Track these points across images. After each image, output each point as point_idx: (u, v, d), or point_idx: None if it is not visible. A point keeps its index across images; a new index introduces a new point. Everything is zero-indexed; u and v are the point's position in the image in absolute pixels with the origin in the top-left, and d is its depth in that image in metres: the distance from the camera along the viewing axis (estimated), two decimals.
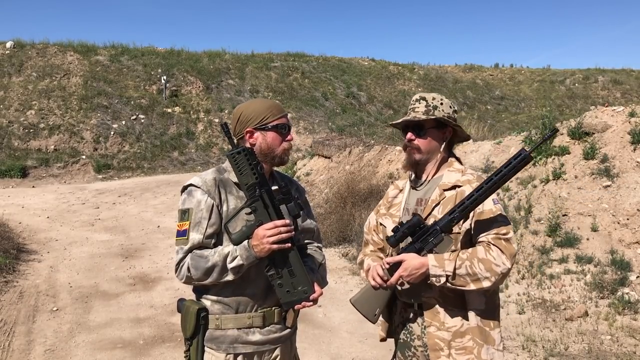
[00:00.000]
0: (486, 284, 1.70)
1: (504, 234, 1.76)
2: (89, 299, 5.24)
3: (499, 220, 1.79)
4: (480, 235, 1.79)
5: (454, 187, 1.86)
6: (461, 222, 1.80)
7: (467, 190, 1.82)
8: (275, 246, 1.69)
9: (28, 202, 10.98)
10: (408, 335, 1.92)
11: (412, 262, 1.75)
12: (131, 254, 6.99)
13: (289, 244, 1.72)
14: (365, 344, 4.11)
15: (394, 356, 2.04)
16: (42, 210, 10.10)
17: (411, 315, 1.91)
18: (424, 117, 1.87)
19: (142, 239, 7.90)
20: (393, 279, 1.79)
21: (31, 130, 16.23)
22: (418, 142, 1.89)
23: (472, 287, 1.72)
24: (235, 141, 1.84)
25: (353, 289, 5.53)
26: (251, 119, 1.84)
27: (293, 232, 1.74)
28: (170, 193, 11.91)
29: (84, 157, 15.92)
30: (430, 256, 1.75)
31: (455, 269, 1.71)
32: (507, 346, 3.98)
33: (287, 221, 1.72)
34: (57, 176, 14.82)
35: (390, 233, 1.90)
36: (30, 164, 14.90)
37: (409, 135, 1.90)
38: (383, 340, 2.07)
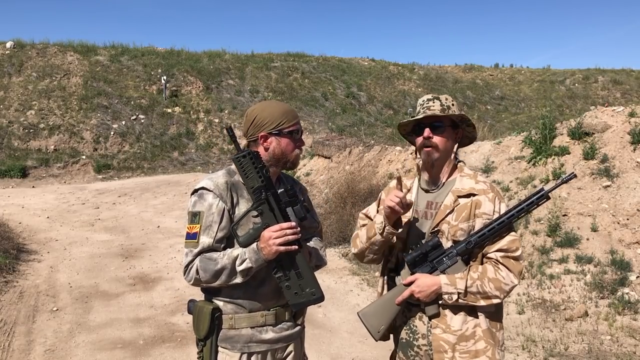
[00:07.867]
0: (495, 301, 1.81)
1: (513, 251, 1.82)
2: (89, 299, 5.24)
3: (508, 231, 1.83)
4: (490, 250, 1.83)
5: (468, 195, 1.85)
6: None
7: (484, 200, 1.84)
8: (282, 248, 1.70)
9: (28, 202, 10.98)
10: (411, 335, 1.91)
11: (425, 280, 1.82)
12: (131, 254, 6.99)
13: (296, 246, 1.73)
14: (365, 344, 4.11)
15: (393, 356, 2.03)
16: (42, 210, 10.10)
17: (416, 314, 1.90)
18: (442, 113, 1.86)
19: (142, 239, 7.90)
20: (405, 294, 1.84)
21: (31, 130, 16.23)
22: (436, 139, 1.86)
23: (482, 303, 1.80)
24: (242, 144, 1.86)
25: (353, 289, 5.53)
26: (266, 123, 1.84)
27: (299, 234, 1.75)
28: (170, 193, 11.92)
29: (84, 157, 15.92)
30: (442, 275, 1.81)
31: (466, 287, 1.78)
32: (507, 346, 3.98)
33: (293, 223, 1.73)
34: (57, 176, 14.81)
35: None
36: (30, 164, 14.89)
37: (427, 132, 1.86)
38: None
